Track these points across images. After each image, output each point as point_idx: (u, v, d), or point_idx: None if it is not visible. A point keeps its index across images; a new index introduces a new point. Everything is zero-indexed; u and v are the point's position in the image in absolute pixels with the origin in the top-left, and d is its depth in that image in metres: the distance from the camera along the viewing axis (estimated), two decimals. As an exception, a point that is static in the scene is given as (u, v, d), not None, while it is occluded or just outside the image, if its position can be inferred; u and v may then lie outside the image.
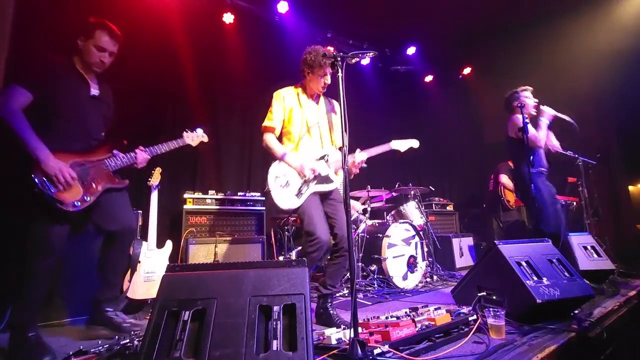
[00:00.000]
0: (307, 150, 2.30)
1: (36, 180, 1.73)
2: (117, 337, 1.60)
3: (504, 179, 4.43)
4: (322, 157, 2.30)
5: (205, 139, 2.52)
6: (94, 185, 1.93)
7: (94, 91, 2.08)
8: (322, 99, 2.44)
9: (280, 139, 2.39)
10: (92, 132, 2.05)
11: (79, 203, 1.83)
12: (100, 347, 1.48)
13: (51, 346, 1.71)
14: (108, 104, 2.19)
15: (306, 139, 2.32)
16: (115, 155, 2.08)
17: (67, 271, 2.33)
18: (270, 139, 2.35)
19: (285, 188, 2.20)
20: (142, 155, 2.17)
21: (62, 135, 1.89)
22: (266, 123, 2.37)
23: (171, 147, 2.29)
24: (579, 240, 2.87)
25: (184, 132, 2.43)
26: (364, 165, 2.33)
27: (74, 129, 1.95)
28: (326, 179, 2.28)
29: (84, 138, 1.99)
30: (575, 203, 4.15)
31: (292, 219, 3.66)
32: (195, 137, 2.46)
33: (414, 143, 2.56)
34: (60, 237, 1.83)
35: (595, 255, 2.81)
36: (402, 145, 2.51)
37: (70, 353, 1.49)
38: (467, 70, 6.36)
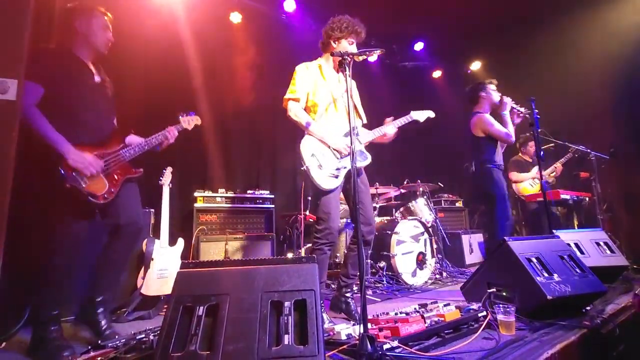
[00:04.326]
0: (334, 123, 2.24)
1: (66, 175, 1.73)
2: (133, 332, 1.65)
3: (514, 176, 4.39)
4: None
5: (199, 121, 2.47)
6: (115, 177, 1.94)
7: (97, 78, 2.03)
8: (341, 74, 2.39)
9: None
10: (103, 120, 2.02)
11: (107, 195, 1.86)
12: (117, 342, 1.52)
13: (69, 340, 1.78)
14: (110, 88, 2.14)
15: (332, 112, 2.26)
16: (129, 145, 2.05)
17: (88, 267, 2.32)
18: (297, 109, 2.20)
19: (322, 169, 2.10)
20: (173, 132, 2.23)
21: (76, 128, 1.86)
22: (289, 95, 2.23)
23: (178, 130, 2.29)
24: (591, 236, 2.83)
25: (180, 117, 2.38)
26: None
27: (85, 119, 1.92)
28: (360, 154, 2.24)
29: (97, 128, 1.96)
30: (587, 199, 4.08)
31: (301, 216, 3.69)
32: (190, 120, 2.42)
33: (431, 114, 2.65)
34: (82, 232, 1.86)
35: (608, 252, 2.77)
36: (421, 115, 2.58)
37: (89, 347, 1.54)
38: (475, 66, 6.27)
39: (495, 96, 3.13)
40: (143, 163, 2.20)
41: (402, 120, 2.45)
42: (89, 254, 1.98)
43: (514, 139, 3.04)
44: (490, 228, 3.02)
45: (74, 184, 1.75)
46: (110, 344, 1.50)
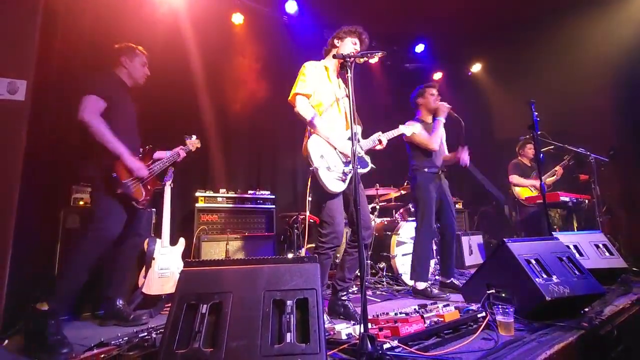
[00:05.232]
0: (336, 125, 2.24)
1: (118, 180, 2.03)
2: (135, 330, 1.67)
3: (515, 179, 4.39)
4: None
5: (199, 144, 2.84)
6: (149, 187, 2.25)
7: (132, 103, 2.37)
8: (341, 79, 2.42)
9: None
10: (136, 138, 2.34)
11: (144, 202, 2.20)
12: (120, 340, 1.54)
13: (70, 339, 1.79)
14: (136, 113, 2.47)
15: (335, 114, 2.26)
16: (157, 158, 2.42)
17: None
18: (306, 105, 2.17)
19: (330, 171, 2.09)
20: (182, 152, 2.63)
21: (122, 142, 2.13)
22: (299, 90, 2.18)
23: (185, 152, 2.68)
24: (590, 239, 2.84)
25: (186, 140, 2.75)
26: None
27: (127, 136, 2.19)
28: (362, 161, 2.26)
29: (134, 145, 2.26)
30: (587, 201, 4.09)
31: (302, 216, 3.70)
32: (193, 143, 2.78)
33: (416, 129, 2.69)
34: (119, 227, 2.10)
35: (607, 254, 2.78)
36: (408, 130, 2.59)
37: (92, 345, 1.55)
38: (476, 67, 6.29)
39: (432, 102, 3.13)
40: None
41: (393, 133, 2.48)
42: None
43: (435, 146, 3.01)
44: (416, 230, 3.02)
45: (125, 190, 2.06)
46: (113, 342, 1.51)
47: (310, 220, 3.63)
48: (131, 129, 2.31)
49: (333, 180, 2.08)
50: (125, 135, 2.17)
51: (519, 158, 4.56)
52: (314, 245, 3.59)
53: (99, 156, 2.07)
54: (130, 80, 2.38)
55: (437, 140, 3.01)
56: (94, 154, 2.08)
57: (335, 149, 2.16)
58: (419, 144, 3.05)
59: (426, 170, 3.04)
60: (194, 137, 2.79)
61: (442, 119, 3.03)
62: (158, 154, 2.50)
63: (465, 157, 3.07)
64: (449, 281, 3.03)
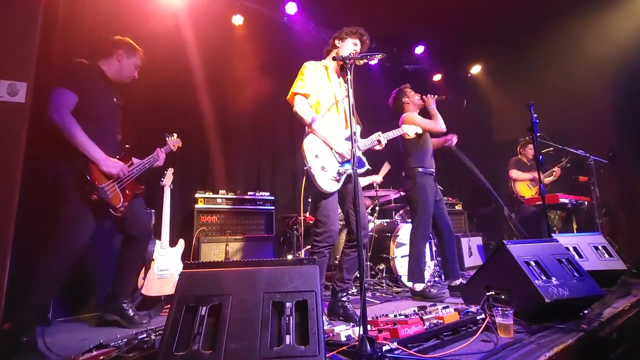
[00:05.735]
0: (335, 125, 2.24)
1: (93, 185, 1.88)
2: (134, 331, 1.66)
3: (514, 173, 4.40)
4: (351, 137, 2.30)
5: (180, 144, 2.68)
6: (127, 192, 2.08)
7: (115, 98, 2.21)
8: (342, 79, 2.42)
9: None
10: (116, 137, 2.19)
11: (122, 209, 2.02)
12: (120, 342, 1.54)
13: (69, 340, 1.78)
14: (121, 110, 2.32)
15: (334, 114, 2.27)
16: (134, 162, 2.22)
17: (89, 268, 2.49)
18: (304, 105, 2.18)
19: (324, 171, 2.09)
20: (162, 155, 2.43)
21: (97, 141, 1.97)
22: (298, 89, 2.20)
23: (165, 152, 2.48)
24: (590, 240, 2.84)
25: (167, 139, 2.60)
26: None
27: (104, 134, 2.05)
28: (359, 161, 2.25)
29: (112, 143, 2.11)
30: (586, 202, 4.10)
31: (301, 218, 3.69)
32: (175, 143, 2.63)
33: (419, 130, 2.71)
34: (85, 242, 1.93)
35: (606, 255, 2.78)
36: (410, 129, 2.61)
37: (91, 347, 1.55)
38: (476, 69, 6.30)
39: (416, 98, 3.12)
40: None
41: (394, 133, 2.48)
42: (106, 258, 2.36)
43: (444, 127, 3.01)
44: (412, 233, 3.00)
45: (101, 196, 1.88)
46: (112, 344, 1.51)
47: (310, 221, 3.64)
48: (110, 125, 2.14)
49: (327, 180, 2.10)
50: (102, 132, 2.02)
51: (520, 156, 4.58)
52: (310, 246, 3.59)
53: (70, 155, 1.88)
54: (116, 76, 2.22)
55: (442, 121, 3.01)
56: (65, 152, 1.88)
57: (332, 149, 2.17)
58: (426, 130, 3.01)
59: (422, 170, 3.01)
60: (175, 135, 2.66)
61: (433, 107, 3.03)
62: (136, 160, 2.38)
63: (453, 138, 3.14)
64: (455, 283, 3.02)
